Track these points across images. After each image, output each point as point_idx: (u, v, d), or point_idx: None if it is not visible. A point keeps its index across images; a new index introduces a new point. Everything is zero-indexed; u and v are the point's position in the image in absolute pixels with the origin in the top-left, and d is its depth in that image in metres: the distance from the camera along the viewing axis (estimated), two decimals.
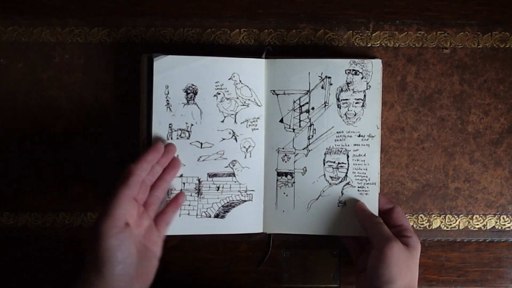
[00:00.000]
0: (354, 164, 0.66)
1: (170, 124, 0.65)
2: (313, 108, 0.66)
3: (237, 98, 0.66)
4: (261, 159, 0.67)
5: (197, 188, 0.66)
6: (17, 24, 0.68)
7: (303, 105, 0.66)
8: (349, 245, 0.68)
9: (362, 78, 0.66)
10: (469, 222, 0.70)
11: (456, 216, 0.70)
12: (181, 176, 0.65)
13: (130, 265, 0.56)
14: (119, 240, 0.55)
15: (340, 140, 0.66)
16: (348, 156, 0.66)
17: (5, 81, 0.68)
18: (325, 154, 0.67)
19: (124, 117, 0.69)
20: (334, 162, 0.66)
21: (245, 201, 0.66)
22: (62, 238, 0.69)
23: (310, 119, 0.66)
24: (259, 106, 0.67)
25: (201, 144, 0.66)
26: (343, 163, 0.66)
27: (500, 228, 0.70)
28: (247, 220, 0.67)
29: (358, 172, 0.66)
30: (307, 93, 0.66)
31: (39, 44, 0.69)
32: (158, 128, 0.65)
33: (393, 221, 0.65)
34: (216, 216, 0.66)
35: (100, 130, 0.69)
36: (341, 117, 0.66)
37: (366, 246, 0.66)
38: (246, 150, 0.67)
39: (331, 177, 0.66)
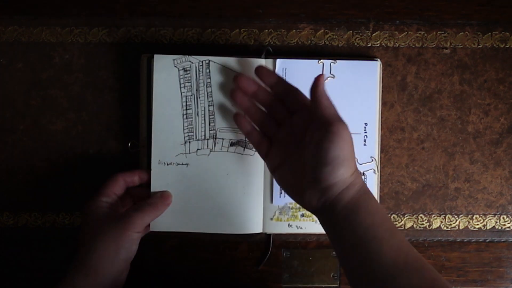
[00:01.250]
0: None
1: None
2: None
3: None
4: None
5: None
6: (17, 24, 0.68)
7: None
8: (254, 138, 0.63)
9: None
10: (469, 222, 0.70)
11: (456, 216, 0.70)
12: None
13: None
14: (135, 243, 0.61)
15: None
16: None
17: (5, 81, 0.68)
18: None
19: (124, 117, 0.69)
20: None
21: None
22: (63, 238, 0.69)
23: None
24: None
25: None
26: None
27: (500, 228, 0.70)
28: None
29: None
30: None
31: (39, 44, 0.68)
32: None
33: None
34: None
35: (100, 130, 0.69)
36: None
37: (277, 135, 0.61)
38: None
39: None
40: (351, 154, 0.55)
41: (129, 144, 0.69)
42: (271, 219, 0.68)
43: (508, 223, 0.70)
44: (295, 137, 0.60)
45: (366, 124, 0.68)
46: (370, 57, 0.69)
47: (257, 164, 0.67)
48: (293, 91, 0.61)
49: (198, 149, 0.66)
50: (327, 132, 0.54)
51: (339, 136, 0.54)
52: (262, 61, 0.67)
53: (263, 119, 0.62)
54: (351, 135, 0.55)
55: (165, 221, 0.65)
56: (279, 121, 0.62)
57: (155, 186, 0.66)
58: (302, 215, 0.68)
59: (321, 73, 0.56)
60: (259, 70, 0.62)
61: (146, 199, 0.64)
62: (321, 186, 0.55)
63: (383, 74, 0.68)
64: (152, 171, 0.66)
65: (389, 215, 0.69)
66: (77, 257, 0.60)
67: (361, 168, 0.68)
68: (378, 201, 0.68)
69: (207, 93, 0.66)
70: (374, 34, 0.69)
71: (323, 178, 0.54)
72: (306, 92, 0.66)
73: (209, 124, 0.66)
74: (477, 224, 0.70)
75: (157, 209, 0.63)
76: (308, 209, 0.58)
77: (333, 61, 0.67)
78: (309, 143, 0.57)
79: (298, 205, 0.67)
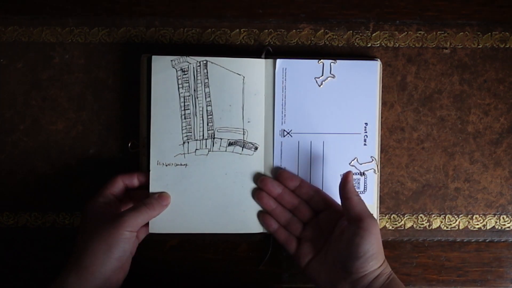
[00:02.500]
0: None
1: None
2: None
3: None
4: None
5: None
6: (17, 24, 0.68)
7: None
8: (281, 236, 0.66)
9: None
10: (469, 222, 0.70)
11: (456, 216, 0.70)
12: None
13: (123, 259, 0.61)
14: (129, 242, 0.61)
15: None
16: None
17: (5, 81, 0.68)
18: None
19: (124, 117, 0.69)
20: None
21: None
22: (62, 238, 0.69)
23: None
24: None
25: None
26: None
27: (500, 228, 0.70)
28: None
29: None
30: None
31: (39, 44, 0.69)
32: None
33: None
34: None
35: (100, 130, 0.69)
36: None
37: (304, 234, 0.65)
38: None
39: None
40: (380, 247, 0.60)
41: (129, 144, 0.69)
42: None
43: (508, 223, 0.70)
44: (322, 234, 0.64)
45: (366, 124, 0.68)
46: (370, 57, 0.69)
47: (256, 164, 0.67)
48: (317, 192, 0.65)
49: (196, 149, 0.66)
50: (358, 228, 0.59)
51: (369, 231, 0.58)
52: (262, 61, 0.67)
53: (289, 220, 0.66)
54: (379, 230, 0.60)
55: (164, 222, 0.65)
56: (304, 220, 0.65)
57: (154, 187, 0.66)
58: None
59: (349, 170, 0.63)
60: (281, 174, 0.66)
61: (142, 199, 0.64)
62: (352, 278, 0.59)
63: (383, 74, 0.68)
64: (151, 172, 0.66)
65: (389, 215, 0.70)
66: (71, 256, 0.60)
67: (361, 168, 0.68)
68: (378, 201, 0.68)
69: (205, 94, 0.66)
70: (374, 34, 0.69)
71: (355, 270, 0.59)
72: (306, 92, 0.67)
73: (207, 124, 0.66)
74: (477, 224, 0.70)
75: (153, 209, 0.63)
76: None
77: (333, 61, 0.67)
78: (340, 238, 0.61)
79: None
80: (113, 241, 0.59)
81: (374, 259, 0.59)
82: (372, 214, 0.61)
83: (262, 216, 0.66)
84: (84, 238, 0.60)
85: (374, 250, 0.59)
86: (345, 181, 0.62)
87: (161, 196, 0.65)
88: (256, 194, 0.66)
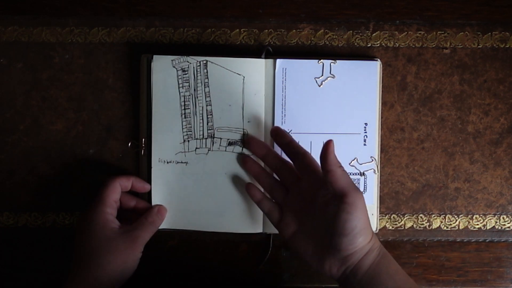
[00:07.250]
0: None
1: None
2: None
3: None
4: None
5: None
6: (17, 24, 0.68)
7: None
8: (265, 206, 0.64)
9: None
10: (469, 222, 0.70)
11: (456, 216, 0.70)
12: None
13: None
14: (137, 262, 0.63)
15: None
16: None
17: (5, 81, 0.68)
18: None
19: (124, 117, 0.69)
20: None
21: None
22: (63, 238, 0.69)
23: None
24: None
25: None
26: None
27: (500, 228, 0.70)
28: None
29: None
30: None
31: (39, 44, 0.69)
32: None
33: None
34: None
35: (100, 130, 0.69)
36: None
37: (287, 201, 0.63)
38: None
39: None
40: (367, 222, 0.57)
41: (129, 144, 0.69)
42: None
43: (508, 223, 0.70)
44: (304, 203, 0.61)
45: (366, 124, 0.68)
46: (370, 57, 0.69)
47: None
48: (302, 154, 0.61)
49: (196, 148, 0.66)
50: (343, 203, 0.56)
51: (355, 206, 0.55)
52: (262, 61, 0.67)
53: (272, 185, 0.64)
54: (365, 203, 0.57)
55: (165, 219, 0.66)
56: (287, 186, 0.63)
57: (155, 183, 0.66)
58: None
59: (330, 139, 0.58)
60: (276, 129, 0.64)
61: (144, 216, 0.64)
62: (341, 255, 0.57)
63: (383, 74, 0.68)
64: (152, 169, 0.66)
65: (389, 215, 0.69)
66: (80, 269, 0.60)
67: (361, 168, 0.68)
68: (378, 201, 0.68)
69: (205, 93, 0.66)
70: (374, 34, 0.69)
71: (343, 248, 0.56)
72: (306, 92, 0.67)
73: (207, 124, 0.66)
74: (477, 224, 0.70)
75: (156, 226, 0.65)
76: (329, 276, 0.59)
77: (333, 61, 0.67)
78: (324, 210, 0.58)
79: None
80: (129, 262, 0.61)
81: (362, 234, 0.56)
82: (357, 187, 0.57)
83: (247, 186, 0.65)
84: (97, 254, 0.60)
85: (362, 226, 0.56)
86: (326, 151, 0.56)
87: (160, 212, 0.65)
88: (242, 159, 0.65)
